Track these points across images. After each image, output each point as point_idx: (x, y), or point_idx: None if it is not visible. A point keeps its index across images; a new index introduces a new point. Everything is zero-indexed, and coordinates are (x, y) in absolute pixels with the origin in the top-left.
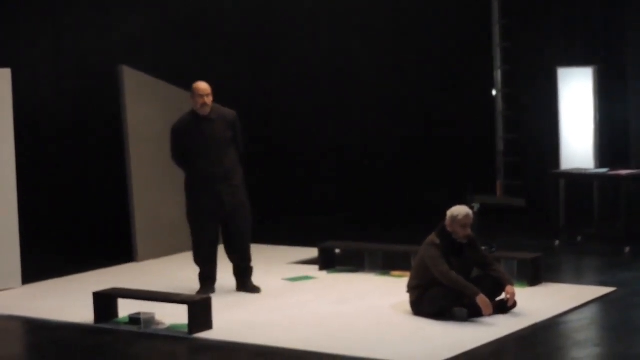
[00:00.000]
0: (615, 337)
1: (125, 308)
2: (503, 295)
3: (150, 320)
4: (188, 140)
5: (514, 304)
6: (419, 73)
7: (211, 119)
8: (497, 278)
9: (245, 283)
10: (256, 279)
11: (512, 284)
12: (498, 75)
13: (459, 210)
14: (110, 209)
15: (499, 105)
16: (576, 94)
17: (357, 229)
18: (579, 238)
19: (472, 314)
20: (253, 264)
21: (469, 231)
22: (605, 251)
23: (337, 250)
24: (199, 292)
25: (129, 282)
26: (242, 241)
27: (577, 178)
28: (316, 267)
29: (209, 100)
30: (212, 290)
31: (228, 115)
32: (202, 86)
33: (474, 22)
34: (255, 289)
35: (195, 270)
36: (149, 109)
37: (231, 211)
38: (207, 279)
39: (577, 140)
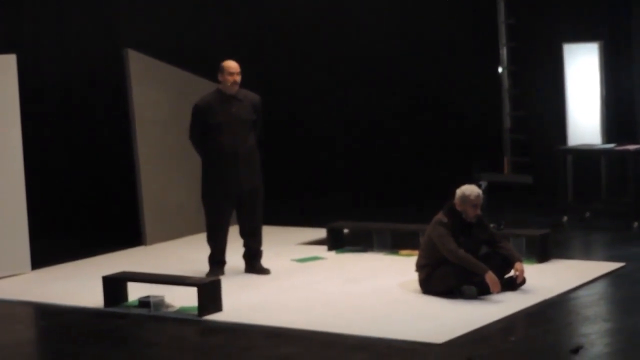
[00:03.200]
0: (625, 312)
1: (135, 291)
2: (512, 272)
3: (160, 303)
4: (212, 117)
5: (523, 281)
6: (424, 51)
7: (238, 99)
8: (506, 255)
9: (254, 265)
10: (265, 260)
11: (520, 261)
12: (504, 52)
13: (471, 190)
14: (118, 193)
15: (505, 82)
16: (582, 70)
17: (365, 209)
18: (587, 214)
19: (481, 291)
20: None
21: (479, 211)
22: (614, 226)
23: (346, 230)
24: (208, 274)
25: (138, 265)
26: (257, 224)
27: (584, 154)
28: (325, 247)
29: (238, 78)
30: (222, 272)
31: (253, 98)
32: (232, 64)
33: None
34: (264, 271)
35: (204, 251)
36: (155, 93)
37: (248, 192)
38: (218, 261)
39: (584, 116)
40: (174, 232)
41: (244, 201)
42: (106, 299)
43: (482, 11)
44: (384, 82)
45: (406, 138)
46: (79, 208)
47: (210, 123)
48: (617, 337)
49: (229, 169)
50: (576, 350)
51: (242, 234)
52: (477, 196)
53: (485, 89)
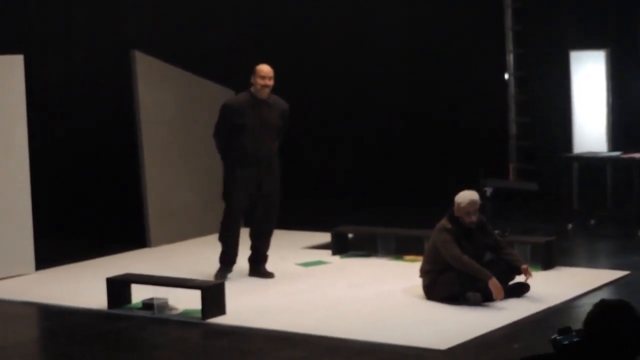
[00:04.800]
0: None
1: (139, 293)
2: (517, 278)
3: (164, 305)
4: (241, 119)
5: (528, 288)
6: (431, 57)
7: (268, 104)
8: (510, 261)
9: (259, 269)
10: (269, 264)
11: (526, 265)
12: (510, 58)
13: (463, 197)
14: (123, 194)
15: (512, 89)
16: (589, 77)
17: (370, 214)
18: (592, 221)
19: (486, 298)
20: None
21: (473, 218)
22: (619, 234)
23: (350, 235)
24: (217, 274)
25: (142, 267)
26: (270, 228)
27: (590, 161)
28: (329, 251)
29: (269, 82)
30: (230, 271)
31: (282, 105)
32: (266, 68)
33: (486, 6)
34: (268, 274)
35: (209, 253)
36: (161, 94)
37: (266, 196)
38: (230, 261)
39: (590, 124)
40: (178, 234)
41: (260, 204)
42: (110, 301)
43: (489, 18)
44: (390, 87)
45: (412, 143)
46: (84, 209)
47: (236, 123)
48: None
49: (250, 171)
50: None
51: (253, 236)
52: (469, 203)
53: (491, 95)
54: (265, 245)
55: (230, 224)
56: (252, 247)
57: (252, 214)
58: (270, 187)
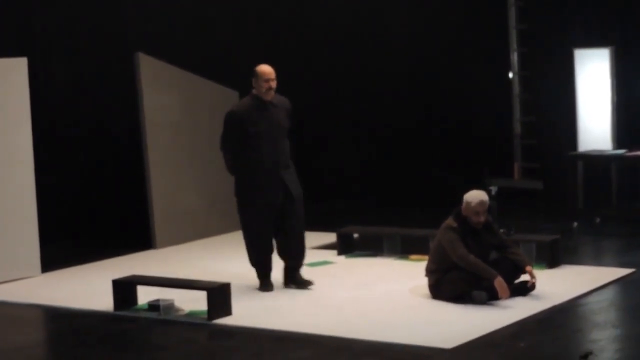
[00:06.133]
0: (635, 319)
1: (145, 295)
2: (522, 277)
3: (170, 306)
4: (249, 125)
5: (533, 286)
6: (435, 57)
7: (274, 105)
8: (516, 261)
9: (294, 277)
10: (275, 263)
11: (530, 266)
12: (514, 57)
13: (473, 197)
14: (128, 197)
15: (516, 87)
16: (593, 76)
17: (375, 214)
18: (598, 220)
19: (491, 297)
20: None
21: (482, 218)
22: (624, 232)
23: (356, 235)
24: (261, 289)
25: (147, 269)
26: (300, 241)
27: (595, 160)
28: (335, 251)
29: (274, 84)
30: (270, 285)
31: (286, 103)
32: (267, 69)
33: (490, 5)
34: (306, 283)
35: (213, 255)
36: (165, 96)
37: (293, 201)
38: (267, 274)
39: (595, 122)
40: (183, 235)
41: (287, 213)
42: (116, 303)
43: (493, 16)
44: (394, 87)
45: (416, 143)
46: (89, 211)
47: (249, 131)
48: (627, 344)
49: (272, 178)
50: (586, 356)
51: (281, 252)
52: (479, 203)
53: (495, 94)
54: (298, 259)
55: (256, 239)
56: (284, 257)
57: (281, 222)
58: (296, 193)
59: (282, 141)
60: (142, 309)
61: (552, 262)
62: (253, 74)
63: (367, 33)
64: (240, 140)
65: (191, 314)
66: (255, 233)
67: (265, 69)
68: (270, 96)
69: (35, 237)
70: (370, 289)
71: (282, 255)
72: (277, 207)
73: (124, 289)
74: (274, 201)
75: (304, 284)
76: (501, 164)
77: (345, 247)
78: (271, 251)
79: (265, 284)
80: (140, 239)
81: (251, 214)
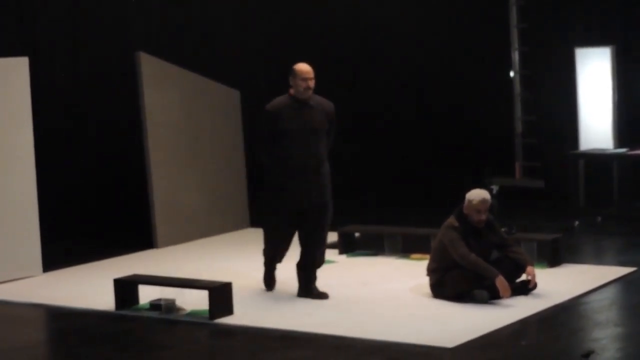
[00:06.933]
0: (636, 317)
1: (146, 294)
2: (524, 277)
3: (171, 306)
4: (282, 124)
5: (535, 285)
6: (436, 56)
7: (311, 105)
8: (517, 260)
9: (310, 289)
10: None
11: (532, 265)
12: (515, 56)
13: (475, 195)
14: (129, 196)
15: (517, 86)
16: (594, 74)
17: (376, 213)
18: (599, 218)
19: (493, 296)
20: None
21: (483, 217)
22: (625, 231)
23: (357, 234)
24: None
25: (149, 268)
26: (311, 251)
27: (596, 158)
28: (336, 251)
29: (312, 83)
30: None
31: (327, 105)
32: (305, 68)
33: (491, 4)
34: (322, 295)
35: (215, 255)
36: (166, 95)
37: (317, 208)
38: (272, 279)
39: (596, 121)
40: (185, 235)
41: (310, 217)
42: (117, 302)
43: (494, 15)
44: (395, 85)
45: (418, 142)
46: (91, 211)
47: (279, 130)
48: (628, 342)
49: (298, 181)
50: (587, 355)
51: (303, 258)
52: (481, 201)
53: (496, 93)
54: (311, 262)
55: (271, 244)
56: (297, 265)
57: (302, 227)
58: (321, 197)
59: (316, 144)
60: (143, 309)
61: (554, 261)
62: (290, 72)
63: (367, 32)
64: (272, 139)
65: (193, 314)
66: (272, 241)
67: (304, 67)
68: (307, 95)
69: (36, 236)
70: (371, 288)
71: (297, 263)
72: (300, 211)
73: (126, 288)
74: (296, 205)
75: (318, 296)
76: (502, 163)
77: (347, 246)
78: (283, 253)
79: (268, 282)
80: (142, 238)
81: (271, 220)
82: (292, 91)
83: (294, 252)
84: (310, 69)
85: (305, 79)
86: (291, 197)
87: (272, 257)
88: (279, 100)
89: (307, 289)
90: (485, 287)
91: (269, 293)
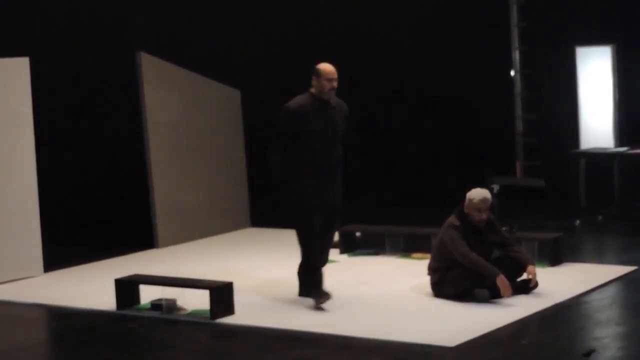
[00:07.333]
0: (637, 316)
1: (147, 294)
2: (524, 276)
3: (172, 306)
4: (307, 124)
5: (536, 284)
6: (436, 55)
7: (332, 106)
8: (518, 259)
9: (317, 290)
10: (277, 263)
11: (532, 264)
12: (516, 55)
13: (476, 194)
14: (130, 196)
15: (518, 85)
16: (595, 73)
17: (377, 212)
18: (600, 217)
19: (493, 295)
20: (274, 248)
21: (484, 216)
22: (626, 230)
23: (358, 234)
24: (318, 302)
25: (150, 268)
26: (328, 248)
27: (597, 157)
28: (337, 250)
29: (336, 84)
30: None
31: (343, 106)
32: (331, 68)
33: (491, 3)
34: (325, 297)
35: (216, 254)
36: (167, 95)
37: (334, 211)
38: (320, 282)
39: (597, 120)
40: (186, 234)
41: (326, 218)
42: (118, 302)
43: (495, 14)
44: (396, 84)
45: (418, 141)
46: (91, 211)
47: (304, 130)
48: (629, 341)
49: (323, 182)
50: (588, 353)
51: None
52: (482, 200)
53: (497, 92)
54: (324, 263)
55: (310, 246)
56: (304, 279)
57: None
58: (337, 201)
59: (336, 145)
60: (144, 308)
61: (555, 260)
62: (314, 71)
63: (367, 32)
64: (293, 139)
65: (194, 313)
66: (310, 244)
67: (329, 67)
68: (331, 96)
69: (37, 236)
70: (372, 288)
71: (302, 264)
72: (326, 211)
73: (127, 288)
74: (324, 205)
75: (321, 300)
76: (503, 162)
77: (348, 245)
78: (320, 256)
79: (323, 294)
80: (143, 238)
81: (305, 222)
82: (313, 90)
83: (294, 253)
84: (334, 70)
85: (331, 79)
86: (320, 197)
87: (317, 263)
88: (302, 99)
89: (312, 290)
90: (486, 286)
91: (270, 293)
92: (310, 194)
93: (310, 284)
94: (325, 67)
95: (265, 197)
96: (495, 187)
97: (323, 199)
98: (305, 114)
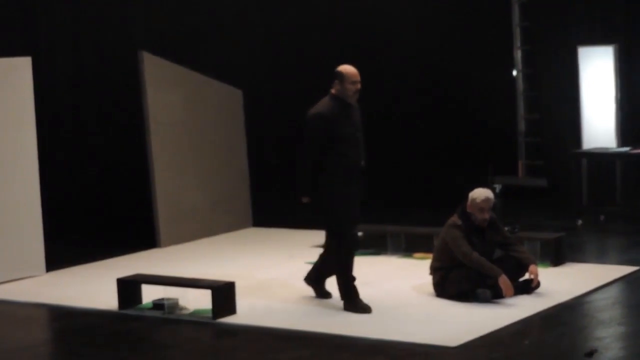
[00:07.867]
0: (639, 316)
1: (149, 294)
2: (526, 276)
3: (174, 305)
4: (340, 128)
5: (538, 284)
6: (439, 55)
7: (355, 108)
8: (520, 259)
9: (320, 286)
10: (279, 263)
11: (535, 264)
12: (518, 55)
13: (479, 194)
14: (132, 195)
15: (520, 85)
16: (597, 73)
17: (379, 212)
18: (602, 217)
19: (495, 295)
20: (276, 248)
21: (486, 216)
22: (628, 230)
23: (360, 233)
24: (360, 308)
25: (152, 268)
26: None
27: (599, 157)
28: None
29: (360, 86)
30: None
31: (357, 107)
32: (355, 71)
33: (494, 2)
34: (326, 295)
35: (217, 254)
36: (169, 95)
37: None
38: (357, 293)
39: (599, 120)
40: (188, 234)
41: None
42: (120, 301)
43: (497, 14)
44: (397, 84)
45: (421, 141)
46: (93, 210)
47: (335, 134)
48: (632, 341)
49: (355, 188)
50: (591, 353)
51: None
52: (484, 200)
53: (499, 92)
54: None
55: (351, 253)
56: (322, 258)
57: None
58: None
59: (361, 146)
60: (146, 308)
61: (557, 259)
62: (337, 75)
63: (369, 32)
64: (323, 146)
65: (196, 313)
66: (350, 242)
67: (353, 70)
68: (355, 99)
69: (39, 236)
70: (374, 287)
71: (322, 256)
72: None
73: (129, 287)
74: (357, 207)
75: (323, 295)
76: (505, 161)
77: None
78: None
79: (363, 305)
80: (145, 237)
81: (347, 227)
82: (334, 92)
83: (294, 253)
84: (357, 72)
85: (355, 82)
86: (356, 205)
87: (352, 264)
88: (328, 103)
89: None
90: (488, 286)
91: (270, 293)
92: (348, 204)
93: (350, 296)
94: (349, 69)
95: (265, 197)
96: (498, 187)
97: (356, 206)
98: (338, 118)
